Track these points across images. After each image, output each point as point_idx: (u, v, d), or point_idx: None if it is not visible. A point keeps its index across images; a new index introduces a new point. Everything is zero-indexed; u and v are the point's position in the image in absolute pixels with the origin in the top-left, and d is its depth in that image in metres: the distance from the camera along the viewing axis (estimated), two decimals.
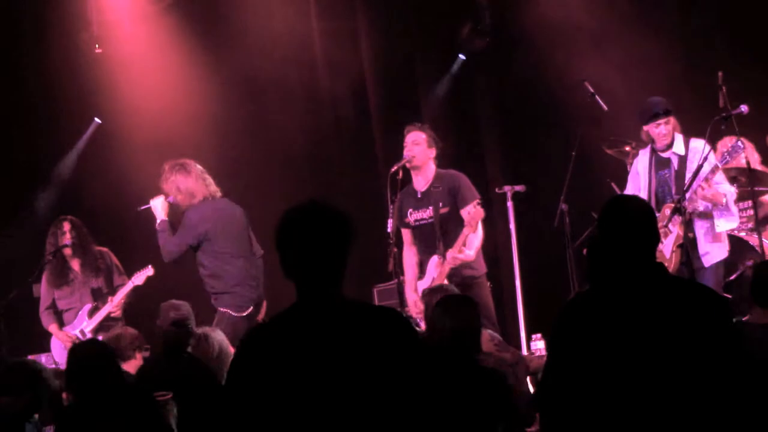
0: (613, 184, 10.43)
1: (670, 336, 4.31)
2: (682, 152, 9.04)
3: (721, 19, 10.82)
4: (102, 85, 12.63)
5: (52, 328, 10.55)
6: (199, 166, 9.75)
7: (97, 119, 12.86)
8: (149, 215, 9.84)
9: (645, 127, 9.17)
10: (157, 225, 9.73)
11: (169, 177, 9.70)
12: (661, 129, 9.07)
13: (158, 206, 9.75)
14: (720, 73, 9.20)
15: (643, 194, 9.06)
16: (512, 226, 10.03)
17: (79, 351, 6.33)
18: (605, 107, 10.16)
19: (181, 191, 9.66)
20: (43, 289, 10.65)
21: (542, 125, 11.87)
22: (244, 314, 9.44)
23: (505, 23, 12.21)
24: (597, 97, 10.18)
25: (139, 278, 10.31)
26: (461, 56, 12.62)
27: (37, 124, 12.55)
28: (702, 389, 4.28)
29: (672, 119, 9.09)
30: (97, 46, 12.39)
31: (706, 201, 8.85)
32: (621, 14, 10.96)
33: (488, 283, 9.47)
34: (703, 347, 4.31)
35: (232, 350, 7.48)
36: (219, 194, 9.80)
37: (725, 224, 8.96)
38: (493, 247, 10.27)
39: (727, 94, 9.12)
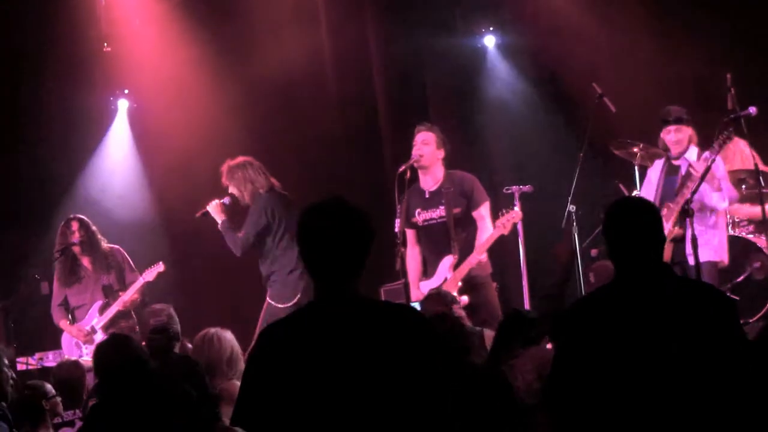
0: (620, 185, 10.44)
1: (677, 335, 4.33)
2: (694, 158, 9.03)
3: (730, 21, 10.82)
4: (110, 84, 12.66)
5: (63, 323, 10.62)
6: (256, 162, 10.09)
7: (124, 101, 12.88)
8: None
9: (660, 134, 9.19)
10: (220, 227, 10.05)
11: (235, 173, 10.02)
12: (671, 136, 9.08)
13: (215, 210, 10.06)
14: (728, 75, 9.22)
15: (651, 199, 9.05)
16: (519, 226, 10.02)
17: (103, 352, 6.32)
18: (613, 108, 10.15)
19: (249, 184, 9.98)
20: (55, 287, 10.74)
21: (550, 126, 11.88)
22: (289, 305, 9.62)
23: (515, 23, 12.22)
24: (605, 98, 10.17)
25: (150, 274, 10.44)
26: (490, 39, 12.62)
27: (44, 123, 12.54)
28: (710, 388, 4.29)
29: (684, 128, 9.04)
30: (105, 44, 12.41)
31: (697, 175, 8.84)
32: (630, 16, 10.98)
33: (494, 284, 9.49)
34: (711, 346, 4.32)
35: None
36: (278, 185, 10.11)
37: (718, 199, 8.93)
38: (501, 248, 10.27)
39: (735, 95, 9.14)
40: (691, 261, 8.83)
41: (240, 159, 10.08)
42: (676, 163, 9.12)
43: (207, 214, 10.11)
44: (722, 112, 9.13)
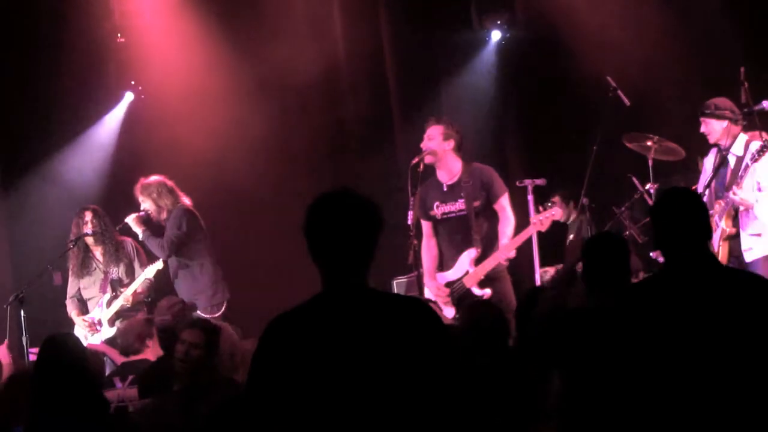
0: (634, 179, 10.42)
1: (724, 325, 4.32)
2: (740, 153, 9.08)
3: (744, 14, 10.78)
4: (124, 75, 12.66)
5: (74, 315, 10.65)
6: (169, 181, 10.63)
7: (130, 93, 12.87)
8: None
9: None
10: (142, 237, 10.56)
11: (151, 190, 10.56)
12: (701, 128, 9.20)
13: (134, 222, 10.56)
14: (742, 69, 9.20)
15: (701, 189, 9.16)
16: (533, 219, 10.01)
17: (49, 347, 6.25)
18: (627, 102, 10.13)
19: (165, 200, 10.52)
20: (70, 278, 10.78)
21: (564, 118, 11.86)
22: (217, 315, 10.06)
23: (529, 15, 12.19)
24: (619, 91, 10.15)
25: (150, 272, 10.44)
26: (496, 34, 12.59)
27: (57, 115, 12.55)
28: (758, 379, 4.28)
29: (711, 122, 9.12)
30: (119, 35, 12.41)
31: (739, 205, 8.91)
32: (644, 10, 10.94)
33: (510, 277, 9.48)
34: (757, 335, 4.31)
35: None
36: (188, 202, 10.61)
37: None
38: None
39: (749, 90, 9.12)
40: (747, 257, 8.89)
41: (154, 178, 10.58)
42: (726, 154, 9.16)
43: (127, 226, 10.59)
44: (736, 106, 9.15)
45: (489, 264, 9.14)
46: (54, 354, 5.94)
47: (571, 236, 12.01)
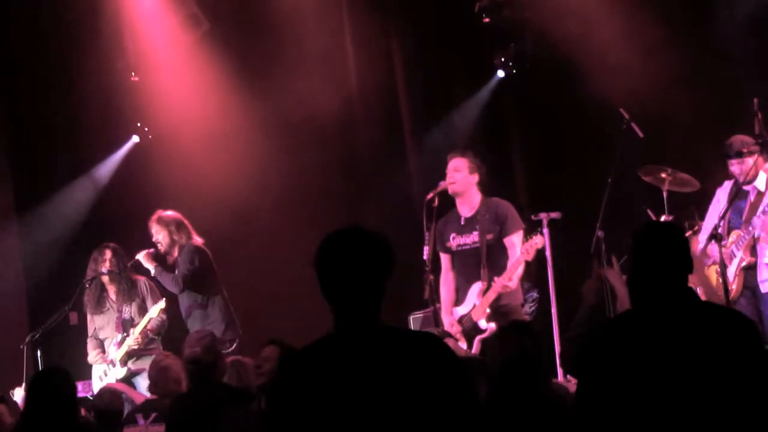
0: (649, 211, 10.39)
1: (700, 362, 4.28)
2: (762, 188, 9.09)
3: (757, 45, 10.79)
4: (138, 114, 12.71)
5: (92, 355, 10.67)
6: (185, 219, 10.73)
7: (135, 137, 12.90)
8: None
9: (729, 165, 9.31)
10: (154, 273, 10.62)
11: (170, 224, 10.65)
12: (734, 168, 9.21)
13: (145, 259, 10.62)
14: (755, 100, 9.21)
15: (716, 220, 9.12)
16: (548, 253, 9.99)
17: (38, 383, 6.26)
18: (641, 134, 10.12)
19: (176, 233, 10.61)
20: (87, 317, 10.80)
21: (578, 151, 11.85)
22: (228, 351, 9.97)
23: (541, 48, 12.19)
24: (633, 123, 10.15)
25: (154, 311, 10.46)
26: (500, 73, 12.62)
27: (72, 153, 12.62)
28: (734, 414, 4.25)
29: (746, 159, 9.12)
30: (133, 74, 12.46)
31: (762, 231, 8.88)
32: (657, 40, 10.95)
33: (524, 309, 9.46)
34: (734, 373, 4.28)
35: None
36: (200, 240, 10.67)
37: None
38: (529, 275, 10.24)
39: (762, 120, 9.12)
40: (763, 288, 8.86)
41: (171, 212, 10.69)
42: (745, 188, 9.15)
43: (138, 263, 10.65)
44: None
45: (490, 296, 9.11)
46: (43, 390, 6.00)
47: None
